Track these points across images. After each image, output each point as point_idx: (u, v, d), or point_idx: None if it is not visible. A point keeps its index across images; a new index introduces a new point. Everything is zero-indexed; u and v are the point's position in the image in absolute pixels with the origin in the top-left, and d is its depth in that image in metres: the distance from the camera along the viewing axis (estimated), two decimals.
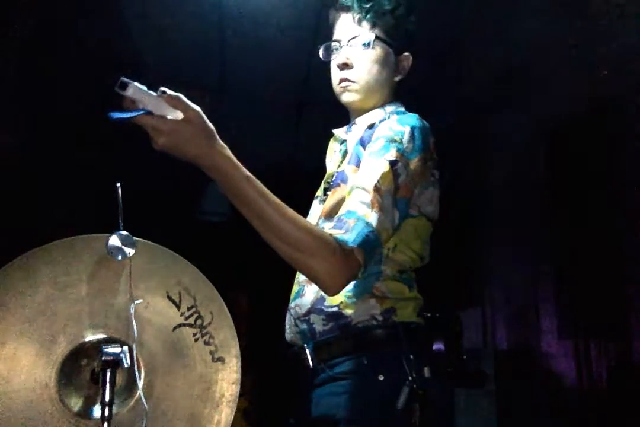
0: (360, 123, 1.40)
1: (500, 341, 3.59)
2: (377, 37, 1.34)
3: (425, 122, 1.30)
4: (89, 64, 2.75)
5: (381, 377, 1.21)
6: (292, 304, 1.37)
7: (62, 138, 2.40)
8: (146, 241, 1.23)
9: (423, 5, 1.50)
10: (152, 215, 3.82)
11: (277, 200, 1.08)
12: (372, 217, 1.13)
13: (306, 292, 1.34)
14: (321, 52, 1.42)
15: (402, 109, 1.41)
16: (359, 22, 1.36)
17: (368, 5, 1.34)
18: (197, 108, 1.02)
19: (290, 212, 1.08)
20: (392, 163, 1.20)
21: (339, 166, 1.43)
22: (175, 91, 1.01)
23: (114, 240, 1.16)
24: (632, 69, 2.35)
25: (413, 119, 1.29)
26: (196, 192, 4.70)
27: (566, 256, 2.81)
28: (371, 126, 1.35)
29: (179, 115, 0.99)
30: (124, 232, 1.17)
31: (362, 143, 1.32)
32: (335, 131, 1.47)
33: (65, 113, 2.48)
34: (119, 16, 3.12)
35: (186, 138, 1.00)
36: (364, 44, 1.34)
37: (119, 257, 1.16)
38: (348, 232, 1.11)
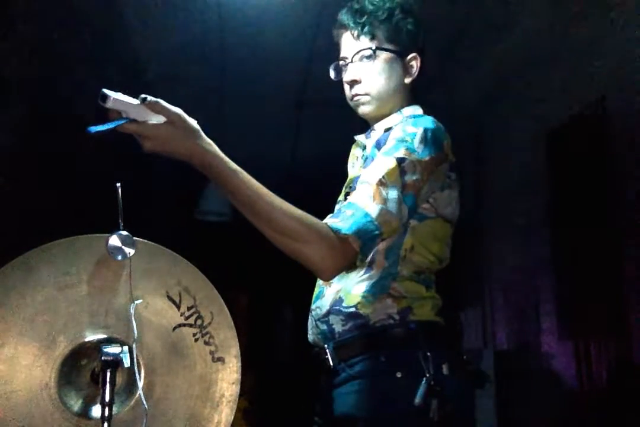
0: (379, 128, 1.43)
1: (500, 341, 3.60)
2: (377, 48, 1.38)
3: (440, 124, 1.32)
4: (89, 64, 2.75)
5: (398, 375, 1.22)
6: (313, 306, 1.39)
7: (62, 138, 2.40)
8: (146, 241, 1.24)
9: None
10: (152, 215, 3.82)
11: (268, 192, 1.11)
12: (373, 208, 1.16)
13: (326, 294, 1.36)
14: (331, 72, 1.47)
15: (420, 112, 1.42)
16: (358, 37, 1.40)
17: (363, 20, 1.38)
18: (178, 110, 1.05)
19: (281, 201, 1.12)
20: (400, 160, 1.22)
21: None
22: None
23: (114, 240, 1.16)
24: (634, 68, 2.35)
25: (427, 121, 1.31)
26: (196, 192, 4.70)
27: (566, 255, 2.81)
28: (388, 130, 1.36)
29: (161, 119, 1.03)
30: (124, 232, 1.17)
31: (378, 146, 1.34)
32: (357, 137, 1.50)
33: (65, 113, 2.49)
34: (120, 17, 3.13)
35: (171, 140, 1.04)
36: (367, 57, 1.38)
37: (119, 257, 1.16)
38: (344, 221, 1.14)
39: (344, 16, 1.42)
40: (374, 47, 1.37)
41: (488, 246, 3.82)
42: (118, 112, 1.01)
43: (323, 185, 1.53)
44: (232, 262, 4.67)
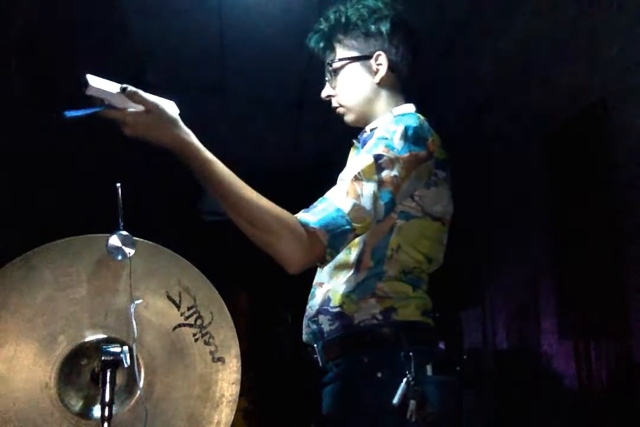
0: (368, 129, 1.44)
1: (500, 341, 3.60)
2: (332, 61, 1.42)
3: (424, 122, 1.31)
4: (89, 64, 2.75)
5: (379, 375, 1.22)
6: (307, 306, 1.40)
7: (62, 138, 2.40)
8: (146, 241, 1.24)
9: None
10: (152, 215, 3.83)
11: (241, 182, 1.13)
12: (345, 203, 1.16)
13: (316, 294, 1.37)
14: None
15: (411, 110, 1.41)
16: (323, 54, 1.46)
17: (320, 36, 1.44)
18: (156, 101, 1.09)
19: (253, 193, 1.13)
20: (377, 157, 1.22)
21: None
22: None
23: (114, 240, 1.16)
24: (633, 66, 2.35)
25: (410, 119, 1.30)
26: (196, 192, 4.70)
27: (566, 256, 2.81)
28: (374, 129, 1.36)
29: (141, 108, 1.07)
30: (124, 232, 1.17)
31: (364, 145, 1.33)
32: (355, 140, 1.51)
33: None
34: (120, 17, 3.13)
35: (148, 127, 1.08)
36: (330, 72, 1.44)
37: (119, 257, 1.16)
38: (314, 214, 1.14)
39: (308, 39, 1.47)
40: (332, 60, 1.42)
41: (488, 246, 3.82)
42: (101, 99, 1.04)
43: (323, 185, 1.52)
44: (232, 262, 4.67)
